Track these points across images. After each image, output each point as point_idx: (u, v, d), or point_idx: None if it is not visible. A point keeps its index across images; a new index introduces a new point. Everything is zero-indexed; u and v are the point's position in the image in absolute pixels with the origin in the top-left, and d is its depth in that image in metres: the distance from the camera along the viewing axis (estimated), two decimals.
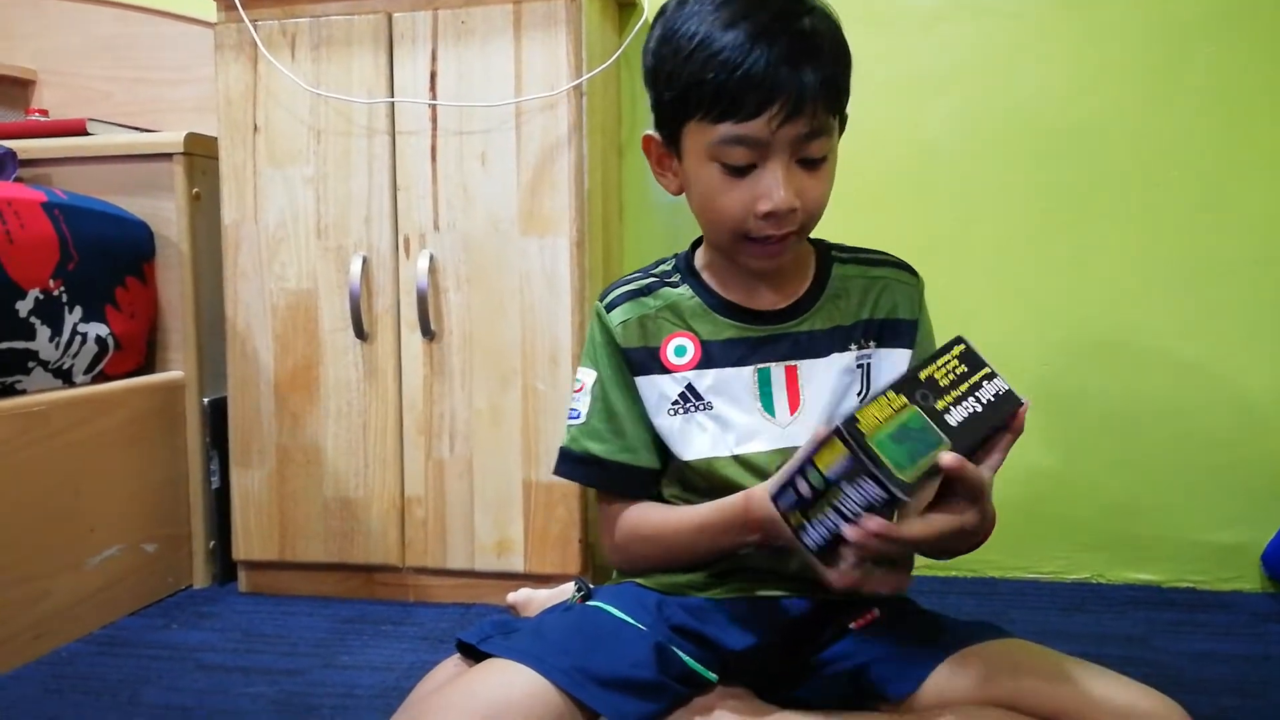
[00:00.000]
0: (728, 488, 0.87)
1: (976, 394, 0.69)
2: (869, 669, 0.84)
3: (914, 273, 0.97)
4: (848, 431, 0.68)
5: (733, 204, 0.84)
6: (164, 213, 1.58)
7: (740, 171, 0.83)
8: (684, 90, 0.83)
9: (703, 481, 0.90)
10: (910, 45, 1.59)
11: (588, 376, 0.94)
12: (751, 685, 0.89)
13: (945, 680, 0.79)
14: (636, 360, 0.92)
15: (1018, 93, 1.56)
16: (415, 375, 1.47)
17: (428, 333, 1.45)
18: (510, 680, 0.78)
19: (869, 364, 0.92)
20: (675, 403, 0.91)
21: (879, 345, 0.92)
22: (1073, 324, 1.56)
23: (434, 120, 1.44)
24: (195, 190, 1.59)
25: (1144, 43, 1.52)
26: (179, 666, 1.29)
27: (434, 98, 1.43)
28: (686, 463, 0.90)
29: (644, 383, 0.92)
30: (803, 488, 0.71)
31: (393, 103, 1.45)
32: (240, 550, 1.55)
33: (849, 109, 0.86)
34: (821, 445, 0.70)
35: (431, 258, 1.44)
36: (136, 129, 1.70)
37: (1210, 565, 1.54)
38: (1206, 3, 1.49)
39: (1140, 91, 1.52)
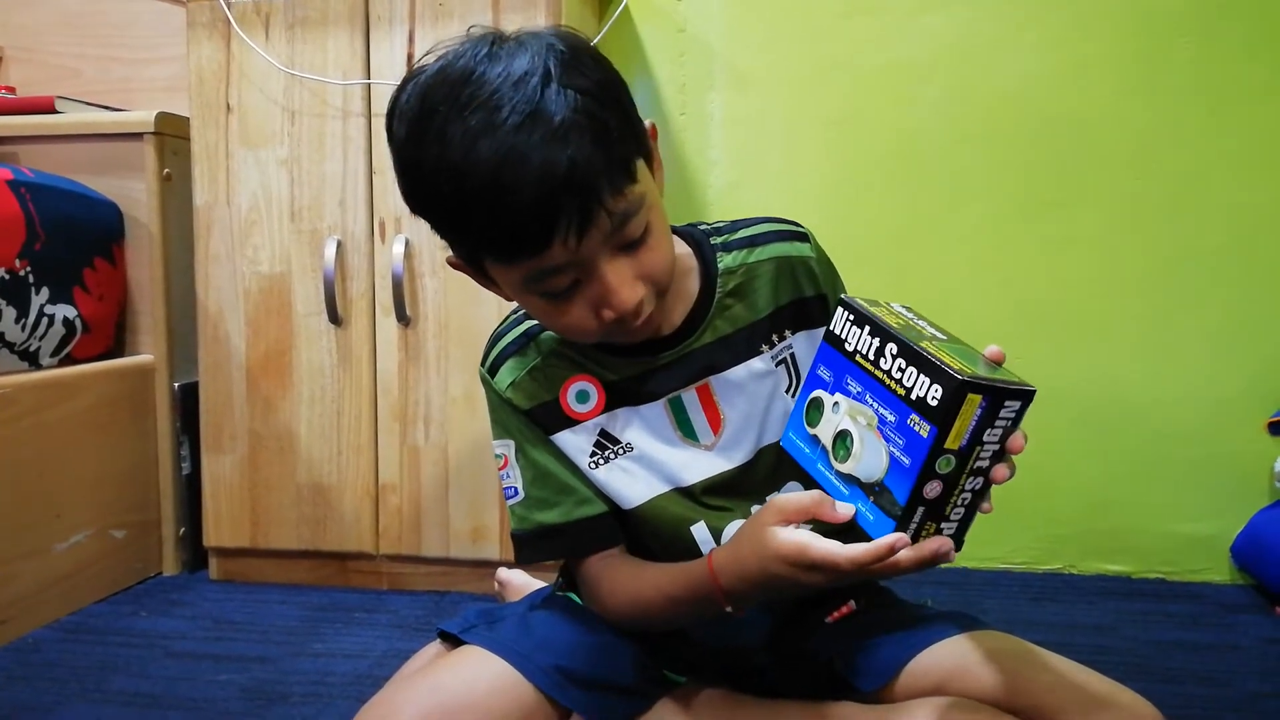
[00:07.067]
0: (678, 524, 0.84)
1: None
2: (844, 660, 0.84)
3: (801, 235, 0.87)
4: (970, 380, 0.62)
5: (576, 321, 0.75)
6: (134, 193, 1.56)
7: (565, 293, 0.73)
8: (455, 235, 0.74)
9: (650, 526, 0.84)
10: (895, 34, 1.59)
11: (506, 448, 0.86)
12: (727, 677, 0.89)
13: (919, 672, 0.79)
14: (540, 420, 0.85)
15: (1001, 82, 1.56)
16: (390, 361, 1.46)
17: (403, 318, 1.44)
18: (476, 675, 0.77)
19: (790, 355, 0.86)
20: (593, 454, 0.84)
21: (795, 330, 0.86)
22: (1049, 314, 1.57)
23: None
24: (166, 171, 1.56)
25: (1126, 34, 1.52)
26: (148, 654, 1.27)
27: None
28: (630, 512, 0.84)
29: (557, 441, 0.85)
30: (932, 490, 0.65)
31: (369, 84, 1.43)
32: (211, 537, 1.53)
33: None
34: (941, 436, 0.63)
35: (407, 242, 1.43)
36: (106, 108, 1.67)
37: (1180, 557, 1.56)
38: None
39: (1122, 83, 1.53)
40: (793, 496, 0.71)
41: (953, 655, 0.79)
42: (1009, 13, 1.55)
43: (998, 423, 0.64)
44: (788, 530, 0.69)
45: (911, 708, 0.77)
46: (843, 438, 0.70)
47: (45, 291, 1.42)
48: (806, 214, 0.89)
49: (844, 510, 0.69)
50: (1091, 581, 1.56)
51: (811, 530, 0.70)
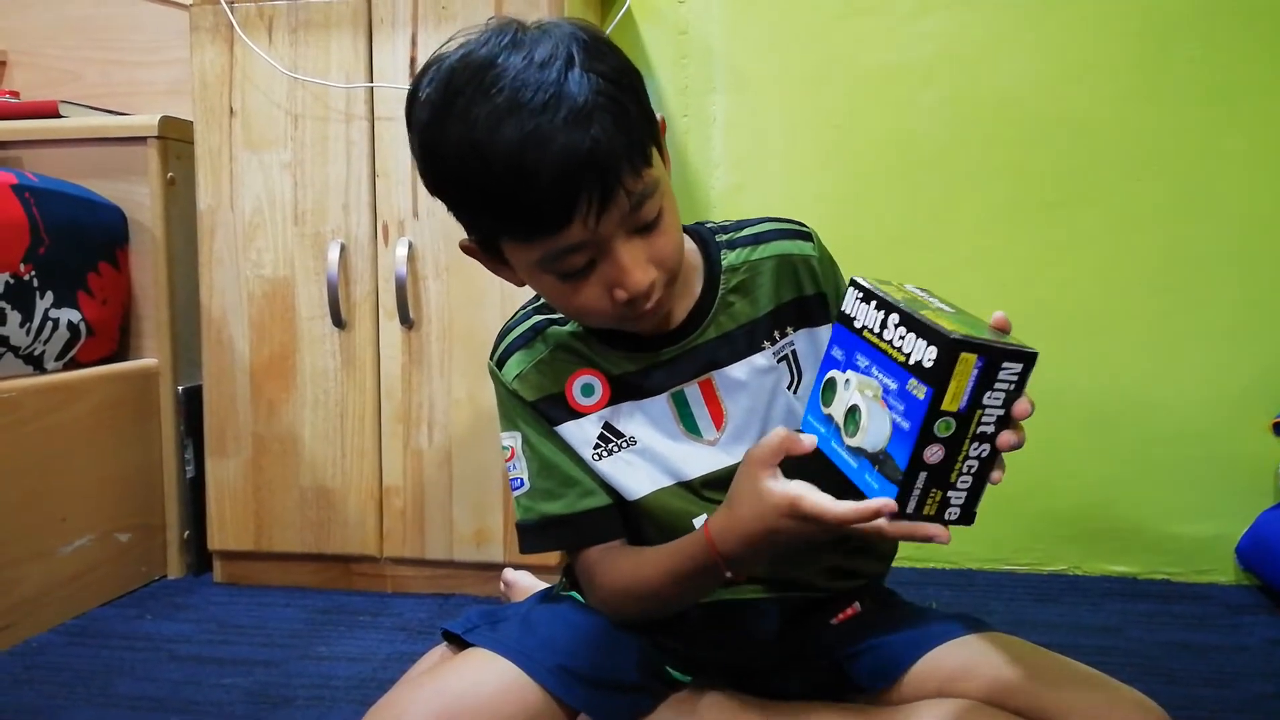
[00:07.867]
0: (680, 517, 0.84)
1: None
2: (849, 662, 0.84)
3: (804, 234, 0.88)
4: (963, 340, 0.62)
5: (588, 302, 0.76)
6: (138, 197, 1.56)
7: (580, 273, 0.74)
8: (475, 214, 0.75)
9: (653, 518, 0.85)
10: (896, 36, 1.59)
11: (513, 440, 0.88)
12: (732, 678, 0.89)
13: (924, 673, 0.79)
14: (545, 412, 0.86)
15: (1002, 84, 1.56)
16: (393, 364, 1.46)
17: (406, 321, 1.44)
18: (482, 677, 0.77)
19: (791, 352, 0.86)
20: (597, 445, 0.85)
21: (797, 328, 0.86)
22: (1051, 315, 1.57)
23: None
24: (170, 175, 1.56)
25: (1127, 36, 1.52)
26: (152, 657, 1.27)
27: None
28: (632, 504, 0.85)
29: (561, 432, 0.86)
30: (933, 455, 0.64)
31: (372, 88, 1.43)
32: (215, 540, 1.53)
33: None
34: (937, 398, 0.63)
35: (410, 245, 1.43)
36: (109, 112, 1.68)
37: (1185, 558, 1.55)
38: None
39: (1123, 84, 1.53)
40: (761, 445, 0.72)
41: (958, 656, 0.79)
42: (1010, 14, 1.55)
43: (998, 385, 0.64)
44: (780, 482, 0.70)
45: (917, 709, 0.77)
46: (852, 413, 0.70)
47: (49, 295, 1.42)
48: (808, 216, 0.89)
49: (807, 439, 0.71)
50: (1096, 582, 1.55)
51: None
